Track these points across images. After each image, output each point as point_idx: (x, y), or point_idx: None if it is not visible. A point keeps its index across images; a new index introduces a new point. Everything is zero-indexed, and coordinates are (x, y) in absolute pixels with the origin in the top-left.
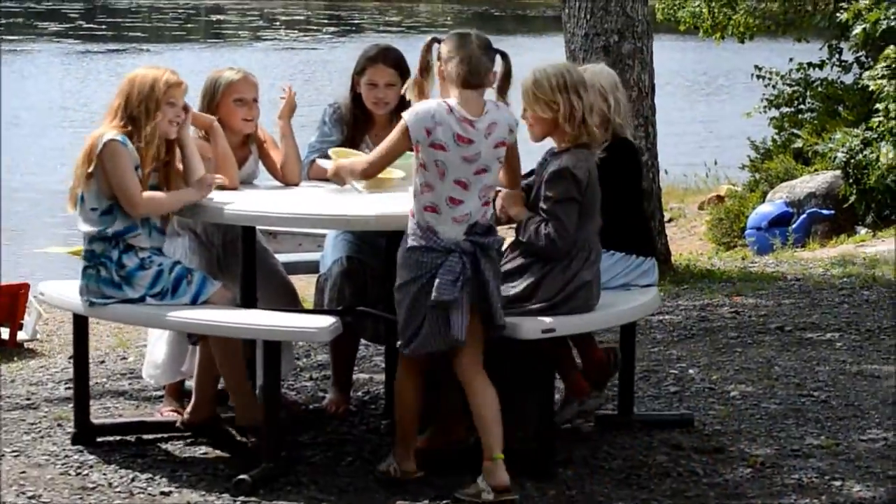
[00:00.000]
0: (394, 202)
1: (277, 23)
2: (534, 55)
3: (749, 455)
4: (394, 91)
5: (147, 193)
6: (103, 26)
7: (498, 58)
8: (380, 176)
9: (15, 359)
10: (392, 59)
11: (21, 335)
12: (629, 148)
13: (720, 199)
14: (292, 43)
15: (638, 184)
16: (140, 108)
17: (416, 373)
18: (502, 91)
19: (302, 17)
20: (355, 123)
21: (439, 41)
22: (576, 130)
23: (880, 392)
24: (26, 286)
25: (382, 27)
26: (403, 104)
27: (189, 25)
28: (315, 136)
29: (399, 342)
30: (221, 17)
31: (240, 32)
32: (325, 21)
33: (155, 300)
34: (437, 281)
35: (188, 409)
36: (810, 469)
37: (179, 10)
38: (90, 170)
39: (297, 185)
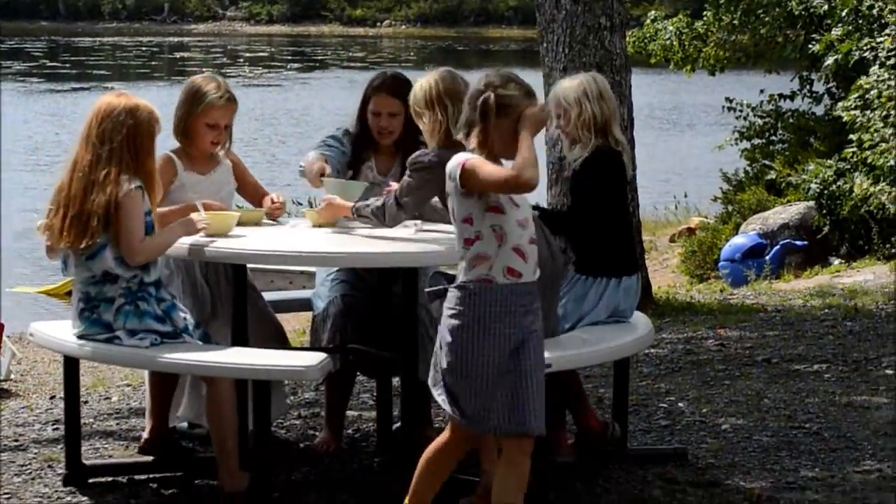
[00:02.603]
0: (375, 240)
1: (241, 59)
2: None
3: (745, 489)
4: (397, 121)
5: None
6: (67, 65)
7: None
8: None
9: None
10: (396, 89)
11: None
12: (605, 157)
13: (691, 231)
14: (255, 80)
15: (616, 194)
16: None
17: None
18: None
19: (266, 54)
20: (361, 146)
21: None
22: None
23: (871, 423)
24: (0, 326)
25: (346, 63)
26: (409, 134)
27: (153, 63)
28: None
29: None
30: (185, 55)
31: (203, 69)
32: (289, 57)
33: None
34: None
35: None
36: (807, 502)
37: (143, 48)
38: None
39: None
